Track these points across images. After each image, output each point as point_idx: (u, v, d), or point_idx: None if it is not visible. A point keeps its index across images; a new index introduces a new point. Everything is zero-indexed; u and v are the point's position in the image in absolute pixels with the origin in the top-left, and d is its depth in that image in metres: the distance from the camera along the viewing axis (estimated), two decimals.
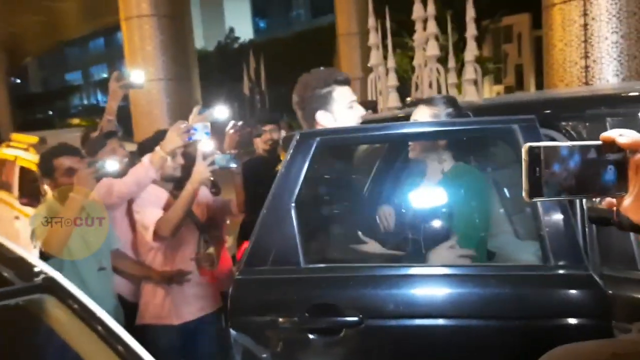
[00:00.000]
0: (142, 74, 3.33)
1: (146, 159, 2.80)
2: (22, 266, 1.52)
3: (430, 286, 1.82)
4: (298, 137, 1.89)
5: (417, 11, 8.28)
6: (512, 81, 17.04)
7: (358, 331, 1.71)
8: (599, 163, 0.71)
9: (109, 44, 46.45)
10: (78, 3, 19.76)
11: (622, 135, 0.68)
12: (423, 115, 2.19)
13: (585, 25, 5.16)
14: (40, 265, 1.54)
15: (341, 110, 2.12)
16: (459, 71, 8.95)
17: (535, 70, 15.99)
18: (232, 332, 1.80)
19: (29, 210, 5.22)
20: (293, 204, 1.82)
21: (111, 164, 2.67)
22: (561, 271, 1.78)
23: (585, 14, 5.31)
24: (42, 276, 1.47)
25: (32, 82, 48.03)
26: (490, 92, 15.86)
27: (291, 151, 1.86)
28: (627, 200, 0.71)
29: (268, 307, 1.81)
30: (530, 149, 0.70)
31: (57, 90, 48.05)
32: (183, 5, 9.88)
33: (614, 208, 0.81)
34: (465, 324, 1.76)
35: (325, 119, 2.10)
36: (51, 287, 1.45)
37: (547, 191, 0.71)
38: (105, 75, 46.77)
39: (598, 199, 0.89)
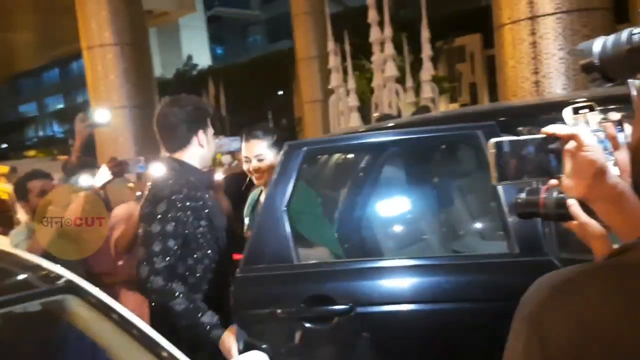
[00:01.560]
0: (106, 112, 3.52)
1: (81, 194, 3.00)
2: (42, 271, 1.65)
3: (408, 276, 2.03)
4: (287, 148, 2.08)
5: (375, 34, 8.64)
6: (467, 99, 17.68)
7: (349, 318, 1.90)
8: (543, 152, 0.91)
9: (63, 75, 45.74)
10: (32, 34, 19.51)
11: (560, 129, 0.90)
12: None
13: (534, 43, 5.54)
14: (58, 270, 1.68)
15: (210, 136, 2.27)
16: (416, 90, 9.35)
17: (489, 88, 16.66)
18: (234, 325, 1.95)
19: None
20: (285, 208, 2.00)
21: (84, 179, 2.86)
22: (524, 258, 2.01)
23: (533, 33, 5.70)
24: (63, 279, 1.61)
25: None
26: (446, 109, 16.37)
27: (281, 160, 2.05)
28: (565, 180, 0.91)
29: (267, 300, 1.98)
30: (496, 143, 0.91)
31: (11, 123, 46.95)
32: (144, 34, 9.99)
33: (541, 201, 1.02)
34: (442, 308, 1.97)
35: (203, 139, 2.21)
36: (73, 287, 1.58)
37: (511, 175, 0.92)
38: (60, 106, 46.00)
39: (523, 194, 1.08)
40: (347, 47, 9.36)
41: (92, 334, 1.57)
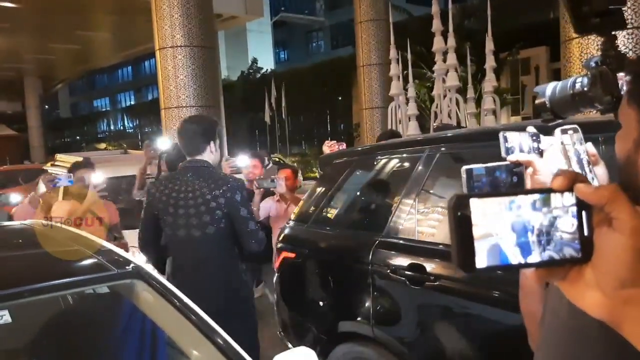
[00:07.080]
0: (168, 141, 4.60)
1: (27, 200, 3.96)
2: (114, 256, 1.82)
3: None
4: None
5: (438, 43, 8.56)
6: (530, 112, 17.26)
7: None
8: (510, 175, 1.03)
9: (136, 73, 47.73)
10: (111, 33, 20.48)
11: (520, 157, 1.00)
12: None
13: None
14: (127, 256, 1.85)
15: (218, 145, 2.91)
16: (478, 101, 9.21)
17: None
18: None
19: None
20: None
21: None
22: None
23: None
24: (132, 264, 1.77)
25: (62, 107, 49.52)
26: (508, 122, 16.04)
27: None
28: None
29: None
30: (467, 169, 1.00)
31: (85, 116, 49.43)
32: (213, 37, 10.32)
33: None
34: None
35: (213, 147, 2.84)
36: (140, 273, 1.74)
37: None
38: (132, 103, 47.99)
39: None
40: (409, 56, 9.35)
41: (154, 317, 1.72)
